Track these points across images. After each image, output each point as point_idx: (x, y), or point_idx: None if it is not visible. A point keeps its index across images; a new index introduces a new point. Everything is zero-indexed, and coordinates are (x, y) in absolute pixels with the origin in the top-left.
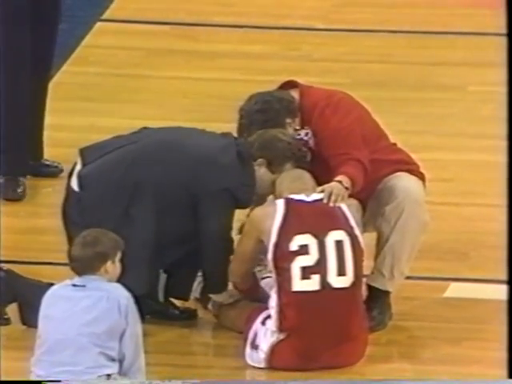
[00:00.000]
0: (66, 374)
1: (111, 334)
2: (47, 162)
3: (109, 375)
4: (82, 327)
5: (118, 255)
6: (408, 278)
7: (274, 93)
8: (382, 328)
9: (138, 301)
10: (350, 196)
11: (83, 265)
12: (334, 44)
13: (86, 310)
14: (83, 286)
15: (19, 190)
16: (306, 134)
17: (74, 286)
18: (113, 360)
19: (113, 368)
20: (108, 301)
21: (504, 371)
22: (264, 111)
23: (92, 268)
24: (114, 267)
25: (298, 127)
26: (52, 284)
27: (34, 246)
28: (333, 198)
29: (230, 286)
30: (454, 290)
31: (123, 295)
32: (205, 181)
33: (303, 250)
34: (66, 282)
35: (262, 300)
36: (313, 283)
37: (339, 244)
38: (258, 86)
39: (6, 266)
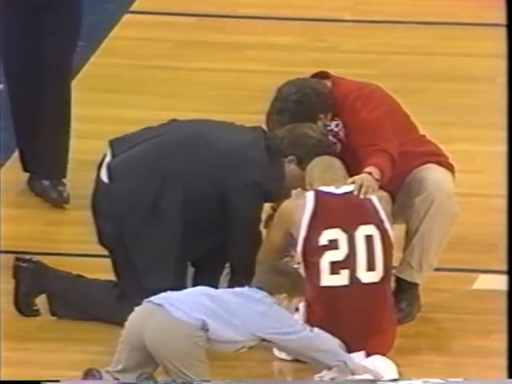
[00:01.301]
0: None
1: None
2: None
3: (206, 328)
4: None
5: (297, 301)
6: (437, 269)
7: (314, 85)
8: (410, 320)
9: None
10: (380, 187)
11: (261, 283)
12: (361, 35)
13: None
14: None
15: (65, 194)
16: (337, 125)
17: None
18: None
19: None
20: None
21: None
22: (301, 104)
23: (267, 288)
24: (287, 304)
25: (328, 122)
26: (81, 276)
27: (63, 238)
28: (363, 190)
29: None
30: (483, 281)
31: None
32: (233, 174)
33: (332, 244)
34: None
35: None
36: (342, 278)
37: (369, 239)
38: (284, 77)
39: (35, 258)
